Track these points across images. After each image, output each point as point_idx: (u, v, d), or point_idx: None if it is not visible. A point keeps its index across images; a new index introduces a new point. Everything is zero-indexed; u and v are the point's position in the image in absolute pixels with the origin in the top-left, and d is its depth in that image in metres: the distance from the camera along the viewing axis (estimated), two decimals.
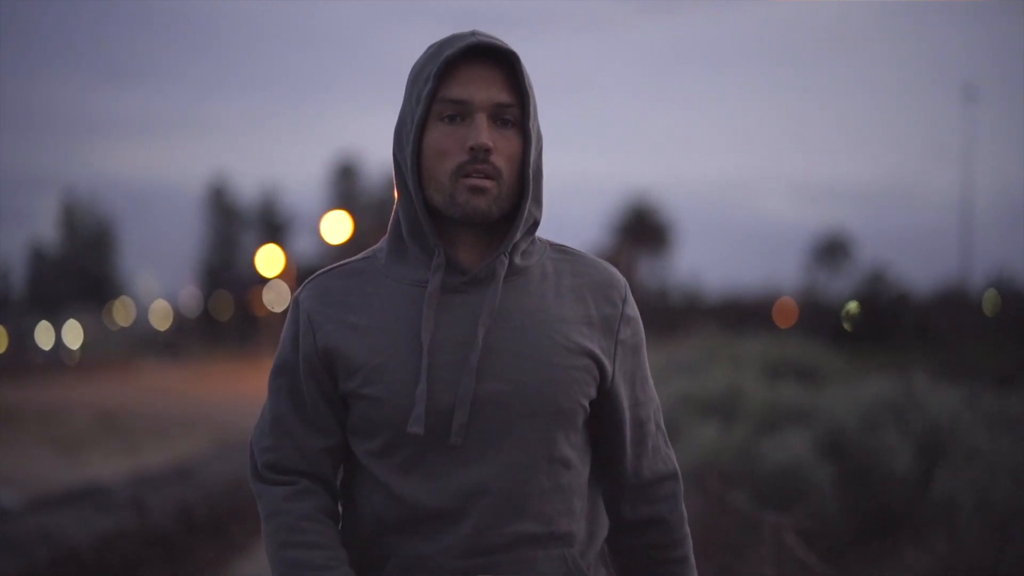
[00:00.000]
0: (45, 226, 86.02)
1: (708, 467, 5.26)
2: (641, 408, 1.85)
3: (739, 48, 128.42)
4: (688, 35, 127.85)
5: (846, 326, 40.47)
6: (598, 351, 1.78)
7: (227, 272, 75.69)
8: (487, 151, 1.70)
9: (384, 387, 1.71)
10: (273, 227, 75.26)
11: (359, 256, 1.82)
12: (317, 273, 1.82)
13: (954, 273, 42.85)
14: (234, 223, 76.89)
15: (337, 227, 39.71)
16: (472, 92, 1.72)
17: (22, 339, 58.04)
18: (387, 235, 1.80)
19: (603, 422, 1.82)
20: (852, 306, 42.94)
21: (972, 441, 5.44)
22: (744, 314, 45.33)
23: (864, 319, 42.16)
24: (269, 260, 53.39)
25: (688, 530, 1.88)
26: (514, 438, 1.73)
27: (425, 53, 1.77)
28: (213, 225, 76.58)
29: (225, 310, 75.35)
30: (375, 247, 1.83)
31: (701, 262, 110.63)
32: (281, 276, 56.12)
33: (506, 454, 1.72)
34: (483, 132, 1.71)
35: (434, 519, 1.72)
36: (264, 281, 60.31)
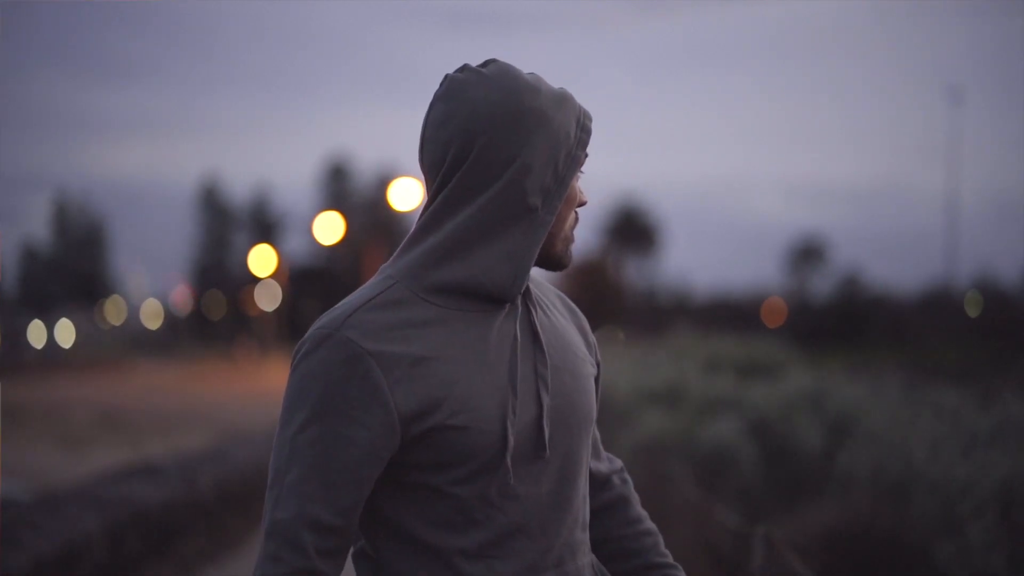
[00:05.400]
0: (37, 225, 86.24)
1: (655, 446, 6.25)
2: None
3: (727, 49, 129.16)
4: (677, 36, 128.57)
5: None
6: (591, 358, 1.87)
7: (219, 271, 76.05)
8: None
9: (470, 416, 1.65)
10: (264, 227, 75.54)
11: (377, 288, 1.71)
12: (348, 310, 1.68)
13: (939, 274, 43.70)
14: (226, 223, 77.21)
15: (329, 228, 40.30)
16: None
17: (15, 338, 58.23)
18: (428, 259, 1.70)
19: None
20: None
21: (872, 426, 6.47)
22: (732, 314, 45.86)
23: (840, 320, 42.97)
24: (262, 260, 53.84)
25: (645, 512, 1.95)
26: (567, 449, 1.75)
27: (541, 94, 1.71)
28: (205, 225, 76.85)
29: (217, 309, 75.76)
30: (385, 274, 1.73)
31: (690, 262, 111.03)
32: (273, 276, 56.65)
33: (562, 465, 1.74)
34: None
35: (512, 538, 1.70)
36: (256, 280, 60.68)
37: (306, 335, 1.68)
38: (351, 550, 1.74)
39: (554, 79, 1.77)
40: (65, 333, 61.67)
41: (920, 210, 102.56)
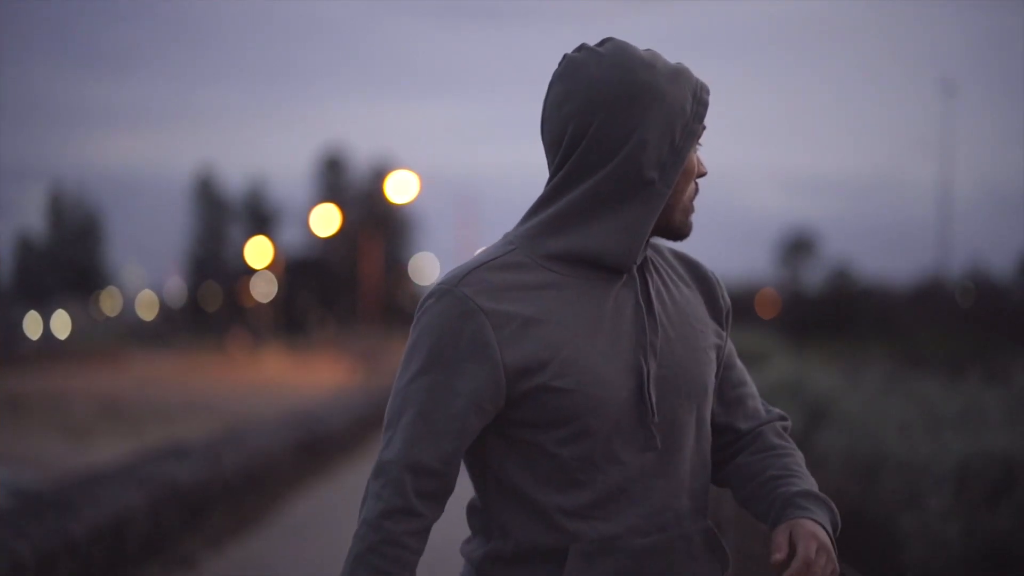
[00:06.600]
0: (33, 217, 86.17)
1: None
2: (741, 372, 1.92)
3: (721, 42, 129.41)
4: (669, 28, 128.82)
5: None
6: (716, 325, 1.88)
7: (215, 263, 76.30)
8: None
9: (576, 379, 1.70)
10: (260, 219, 75.82)
11: (497, 251, 1.78)
12: (467, 268, 1.76)
13: (932, 265, 44.14)
14: (221, 214, 77.41)
15: (326, 219, 40.62)
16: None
17: (11, 329, 58.42)
18: (548, 227, 1.76)
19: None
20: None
21: (847, 411, 6.91)
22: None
23: (832, 312, 43.39)
24: (258, 251, 54.13)
25: (801, 454, 1.90)
26: (674, 418, 1.76)
27: (656, 70, 1.75)
28: (200, 216, 77.06)
29: (213, 300, 76.01)
30: (506, 240, 1.79)
31: (684, 253, 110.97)
32: (269, 267, 56.94)
33: (669, 434, 1.76)
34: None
35: (614, 500, 1.73)
36: (251, 272, 60.95)
37: (428, 291, 1.77)
38: (466, 505, 1.84)
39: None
40: (61, 324, 61.88)
41: (913, 202, 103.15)
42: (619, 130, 1.72)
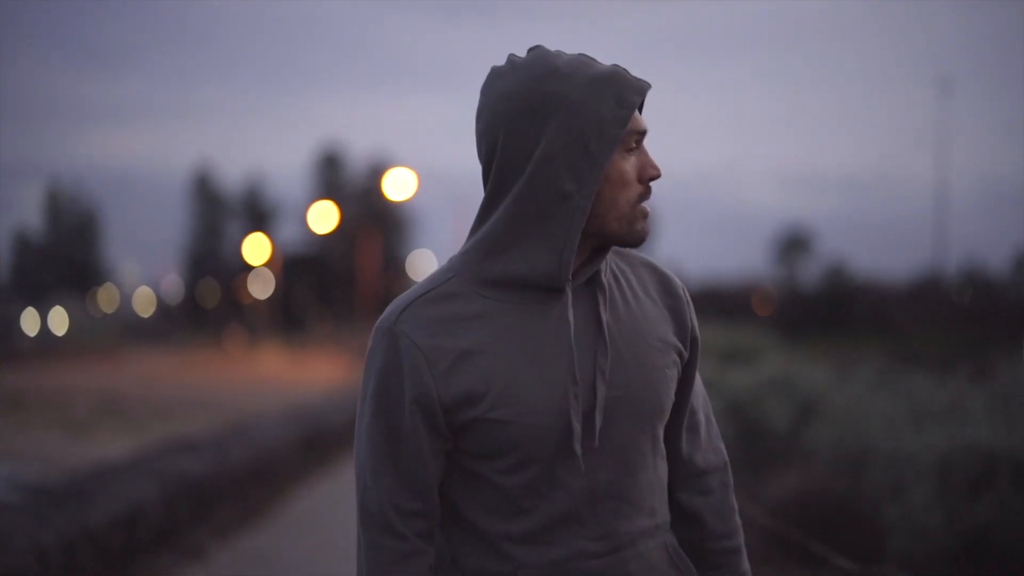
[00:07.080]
0: (30, 214, 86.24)
1: None
2: (696, 397, 1.88)
3: (719, 38, 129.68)
4: (668, 25, 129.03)
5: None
6: (679, 344, 1.81)
7: (212, 260, 76.46)
8: None
9: (512, 410, 1.67)
10: (257, 215, 75.99)
11: (435, 280, 1.74)
12: (405, 302, 1.73)
13: (928, 262, 44.42)
14: (219, 211, 77.59)
15: (324, 216, 40.77)
16: (644, 124, 1.72)
17: (8, 326, 58.48)
18: (478, 253, 1.72)
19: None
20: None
21: (836, 407, 7.11)
22: (724, 302, 46.42)
23: (827, 309, 43.65)
24: (255, 248, 54.30)
25: (739, 521, 1.92)
26: (626, 440, 1.73)
27: (566, 78, 1.66)
28: (198, 213, 77.22)
29: (211, 297, 76.17)
30: (448, 266, 1.75)
31: (682, 251, 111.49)
32: (267, 264, 57.13)
33: (621, 455, 1.73)
34: (655, 162, 1.74)
35: (562, 525, 1.71)
36: (249, 269, 61.13)
37: (376, 324, 1.75)
38: None
39: None
40: (58, 321, 61.94)
41: (910, 199, 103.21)
42: (523, 144, 1.66)
